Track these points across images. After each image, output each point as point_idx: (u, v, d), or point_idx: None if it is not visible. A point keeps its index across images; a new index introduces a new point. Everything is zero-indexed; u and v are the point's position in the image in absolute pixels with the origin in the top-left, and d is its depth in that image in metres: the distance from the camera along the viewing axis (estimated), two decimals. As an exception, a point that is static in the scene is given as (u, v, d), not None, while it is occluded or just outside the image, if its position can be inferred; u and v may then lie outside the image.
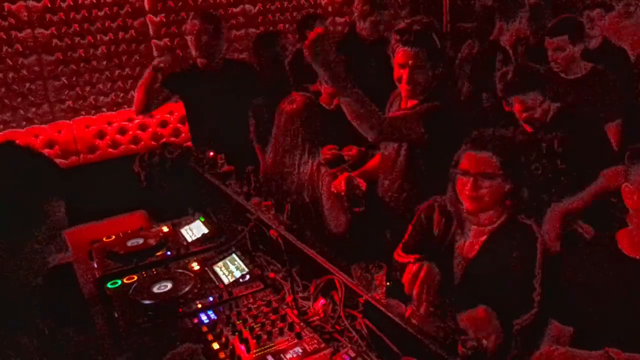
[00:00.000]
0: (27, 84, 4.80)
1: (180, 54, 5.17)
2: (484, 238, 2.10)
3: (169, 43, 5.25)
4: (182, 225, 2.69)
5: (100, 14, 4.96)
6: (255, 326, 1.82)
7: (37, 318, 1.36)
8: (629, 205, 1.79)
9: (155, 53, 5.16)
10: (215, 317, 1.92)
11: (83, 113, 5.07)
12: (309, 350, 1.69)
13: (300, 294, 2.02)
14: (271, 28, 5.58)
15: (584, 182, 2.50)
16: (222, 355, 1.71)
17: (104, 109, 5.16)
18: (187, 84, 3.59)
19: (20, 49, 4.72)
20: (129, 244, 2.50)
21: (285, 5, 5.78)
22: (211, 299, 2.04)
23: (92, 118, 5.08)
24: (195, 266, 2.30)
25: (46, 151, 4.70)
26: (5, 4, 4.60)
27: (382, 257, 1.97)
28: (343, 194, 2.59)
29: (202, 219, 2.68)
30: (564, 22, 3.36)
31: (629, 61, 3.83)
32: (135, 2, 5.09)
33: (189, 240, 2.55)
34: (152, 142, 5.17)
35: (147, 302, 2.06)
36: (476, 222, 2.12)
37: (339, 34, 5.41)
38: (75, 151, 4.97)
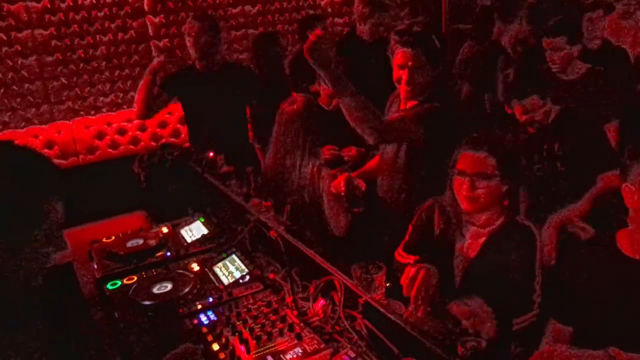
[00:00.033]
0: (27, 85, 4.80)
1: (180, 55, 5.18)
2: (483, 239, 2.10)
3: (168, 44, 5.26)
4: (181, 226, 2.68)
5: (100, 14, 4.96)
6: (255, 327, 1.83)
7: (37, 318, 1.36)
8: (629, 205, 1.79)
9: (154, 53, 5.16)
10: (215, 318, 1.92)
11: (82, 113, 5.07)
12: (308, 351, 1.69)
13: (300, 295, 2.02)
14: (270, 29, 5.58)
15: (584, 183, 2.50)
16: (222, 355, 1.72)
17: (104, 110, 5.16)
18: (185, 85, 3.59)
19: (20, 50, 4.71)
20: (129, 244, 2.50)
21: (285, 5, 5.78)
22: (211, 299, 2.04)
23: (91, 118, 5.08)
24: (195, 267, 2.30)
25: (45, 152, 4.69)
26: (5, 5, 4.59)
27: (382, 257, 1.97)
28: (343, 194, 2.59)
29: (202, 220, 2.68)
30: (562, 23, 3.37)
31: (629, 61, 3.83)
32: (134, 2, 5.09)
33: (189, 241, 2.55)
34: (152, 143, 5.17)
35: (147, 302, 2.06)
36: (475, 223, 2.12)
37: (339, 35, 5.41)
38: (74, 152, 4.97)
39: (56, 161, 4.55)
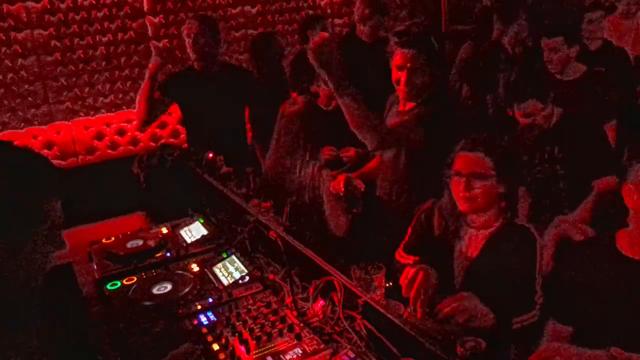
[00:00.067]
0: (26, 85, 4.80)
1: (179, 55, 5.18)
2: (483, 241, 2.09)
3: (167, 44, 5.26)
4: (181, 227, 2.68)
5: (99, 15, 4.96)
6: (254, 327, 1.83)
7: (37, 318, 1.36)
8: (629, 205, 1.79)
9: (153, 54, 5.16)
10: (215, 319, 1.92)
11: (82, 114, 5.07)
12: (308, 351, 1.69)
13: (300, 295, 2.02)
14: (270, 29, 5.58)
15: (583, 186, 2.50)
16: (222, 356, 1.72)
17: (103, 110, 5.16)
18: (184, 86, 3.58)
19: (19, 50, 4.72)
20: (129, 245, 2.50)
21: (285, 6, 5.79)
22: (211, 300, 2.04)
23: (90, 119, 5.08)
24: (195, 267, 2.30)
25: (45, 152, 4.70)
26: (4, 5, 4.60)
27: (382, 258, 1.97)
28: (342, 194, 2.59)
29: (202, 220, 2.68)
30: (560, 24, 3.37)
31: (629, 61, 3.84)
32: (134, 3, 5.09)
33: (189, 241, 2.55)
34: (151, 143, 5.17)
35: (146, 303, 2.06)
36: (473, 224, 2.12)
37: (339, 36, 5.42)
38: (74, 152, 4.97)
39: (55, 162, 4.57)
